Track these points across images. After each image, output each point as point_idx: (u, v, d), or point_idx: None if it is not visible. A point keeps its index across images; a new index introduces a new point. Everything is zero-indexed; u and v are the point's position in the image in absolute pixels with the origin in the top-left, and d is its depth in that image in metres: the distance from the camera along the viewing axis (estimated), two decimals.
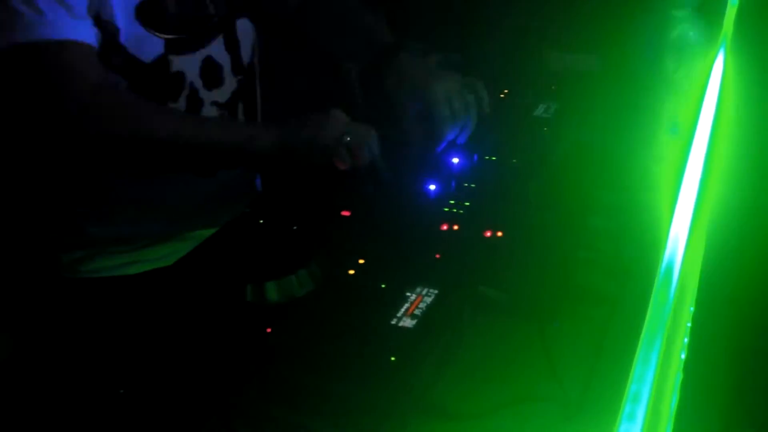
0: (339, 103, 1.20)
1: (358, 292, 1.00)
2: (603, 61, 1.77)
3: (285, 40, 1.53)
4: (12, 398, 1.19)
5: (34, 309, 1.38)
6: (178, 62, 1.25)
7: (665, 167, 1.15)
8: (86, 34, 1.11)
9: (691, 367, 0.87)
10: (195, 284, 1.10)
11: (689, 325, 0.87)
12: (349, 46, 1.42)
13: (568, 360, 0.92)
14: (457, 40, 2.18)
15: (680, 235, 0.89)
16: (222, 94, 1.34)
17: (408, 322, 0.93)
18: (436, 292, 0.98)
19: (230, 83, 1.35)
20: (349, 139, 1.12)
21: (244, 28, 1.36)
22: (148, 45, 1.21)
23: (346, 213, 1.17)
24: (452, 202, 1.18)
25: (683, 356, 0.82)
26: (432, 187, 1.22)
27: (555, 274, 1.06)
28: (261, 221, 1.19)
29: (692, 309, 0.89)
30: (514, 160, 1.29)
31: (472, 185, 1.24)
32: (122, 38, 1.18)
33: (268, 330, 0.95)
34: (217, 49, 1.31)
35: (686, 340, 0.85)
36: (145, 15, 1.19)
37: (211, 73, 1.30)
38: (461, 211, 1.16)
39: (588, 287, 1.04)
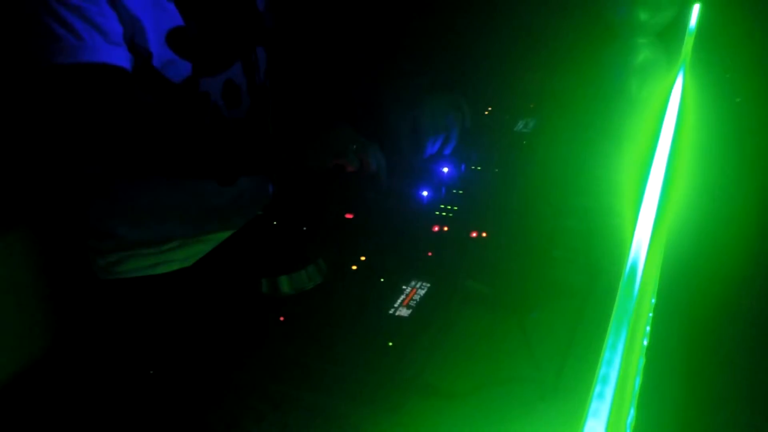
0: (341, 119, 1.20)
1: (360, 285, 1.00)
2: (576, 83, 1.77)
3: (292, 65, 1.53)
4: (59, 379, 1.19)
5: (77, 306, 1.38)
6: (204, 84, 1.25)
7: (630, 175, 1.16)
8: (121, 58, 1.11)
9: (652, 353, 0.88)
10: (217, 279, 1.10)
11: (650, 315, 0.87)
12: (348, 73, 1.42)
13: (544, 346, 0.92)
14: (446, 64, 2.18)
15: (643, 236, 0.89)
16: (240, 112, 1.34)
17: (404, 312, 0.94)
18: (428, 285, 0.99)
19: (246, 103, 1.35)
20: (356, 147, 1.13)
21: (259, 54, 1.37)
22: (177, 68, 1.20)
23: (349, 216, 1.17)
24: (442, 206, 1.18)
25: (645, 343, 0.82)
26: (425, 193, 1.22)
27: (533, 270, 1.06)
28: (274, 223, 1.19)
29: (653, 301, 0.89)
30: (497, 170, 1.30)
31: (460, 192, 1.24)
32: (155, 62, 1.17)
33: (281, 318, 0.95)
34: (236, 72, 1.31)
35: (648, 328, 0.85)
36: (175, 41, 1.19)
37: (231, 93, 1.31)
38: (450, 215, 1.16)
39: (562, 282, 1.04)
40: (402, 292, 0.97)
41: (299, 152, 1.13)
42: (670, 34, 1.79)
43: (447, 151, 1.30)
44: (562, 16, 2.07)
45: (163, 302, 1.18)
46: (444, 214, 1.16)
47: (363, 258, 1.05)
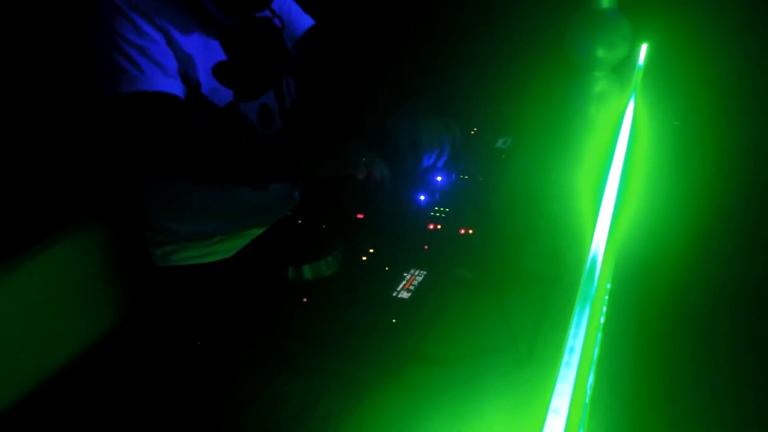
0: (355, 137, 1.20)
1: (369, 272, 1.00)
2: (545, 108, 1.76)
3: (315, 92, 1.53)
4: (125, 347, 1.19)
5: (139, 288, 1.39)
6: (243, 107, 1.25)
7: (591, 184, 1.15)
8: (174, 88, 1.11)
9: (607, 328, 0.87)
10: (252, 267, 1.10)
11: (606, 297, 0.87)
12: (361, 99, 1.42)
13: (519, 322, 0.92)
14: (441, 93, 2.18)
15: (602, 234, 0.88)
16: (272, 131, 1.34)
17: (405, 295, 0.93)
18: (425, 273, 0.98)
19: (278, 123, 1.34)
20: (364, 159, 1.12)
21: (289, 84, 1.36)
22: (221, 95, 1.20)
23: (360, 216, 1.17)
24: (436, 208, 1.18)
25: (602, 320, 0.81)
26: (422, 197, 1.21)
27: (510, 260, 1.06)
28: (299, 221, 1.18)
29: (609, 286, 0.88)
30: (481, 179, 1.29)
31: (451, 196, 1.23)
32: (203, 89, 1.17)
33: (305, 299, 0.94)
34: (269, 98, 1.31)
35: (604, 308, 0.84)
36: (219, 73, 1.19)
37: (265, 115, 1.30)
38: (443, 215, 1.15)
39: (534, 270, 1.03)
40: (403, 278, 0.97)
41: (319, 162, 1.13)
42: (622, 68, 1.78)
43: (440, 163, 1.29)
44: (534, 54, 2.07)
45: (208, 286, 1.18)
46: (438, 214, 1.16)
47: (371, 250, 1.05)
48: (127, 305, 1.39)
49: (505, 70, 2.17)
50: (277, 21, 1.34)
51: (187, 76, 1.14)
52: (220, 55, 1.19)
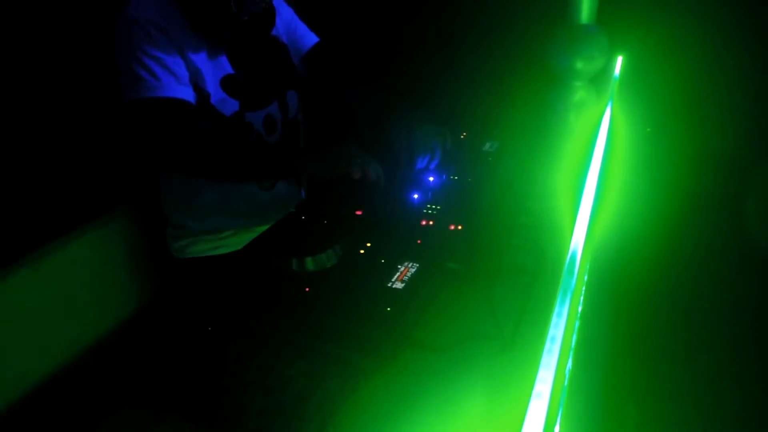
0: (355, 140, 1.19)
1: (366, 264, 0.99)
2: (528, 115, 1.76)
3: (317, 103, 1.53)
4: (145, 332, 1.19)
5: (159, 277, 1.39)
6: (248, 117, 1.24)
7: (570, 184, 1.14)
8: (188, 95, 1.11)
9: (585, 316, 0.86)
10: (260, 260, 1.09)
11: (584, 288, 0.86)
12: (360, 107, 1.41)
13: (504, 311, 0.91)
14: (434, 101, 2.18)
15: (581, 229, 0.88)
16: (276, 138, 1.33)
17: (399, 285, 0.92)
18: (417, 265, 0.97)
19: (281, 131, 1.34)
20: (360, 160, 1.11)
21: (292, 95, 1.36)
22: (228, 105, 1.20)
23: (358, 213, 1.16)
24: (429, 206, 1.17)
25: (580, 309, 0.81)
26: (415, 196, 1.21)
27: (496, 254, 1.05)
28: (303, 218, 1.18)
29: (586, 278, 0.88)
30: (470, 179, 1.29)
31: (442, 195, 1.23)
32: (212, 100, 1.17)
33: (307, 289, 0.94)
34: (273, 109, 1.30)
35: (582, 298, 0.84)
36: (226, 85, 1.19)
37: (269, 124, 1.30)
38: (434, 212, 1.15)
39: (518, 263, 1.03)
40: (397, 270, 0.96)
41: (316, 162, 1.12)
42: (600, 79, 1.77)
43: (433, 165, 1.29)
44: (518, 66, 2.07)
45: (220, 276, 1.18)
46: (430, 212, 1.15)
47: (368, 244, 1.04)
48: (149, 293, 1.39)
49: (491, 80, 2.17)
50: (283, 38, 1.33)
51: (197, 86, 1.15)
52: (227, 69, 1.20)
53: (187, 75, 1.12)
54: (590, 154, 1.17)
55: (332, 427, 0.75)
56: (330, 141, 1.17)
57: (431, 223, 1.11)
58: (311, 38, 1.40)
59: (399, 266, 0.97)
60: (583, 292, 0.84)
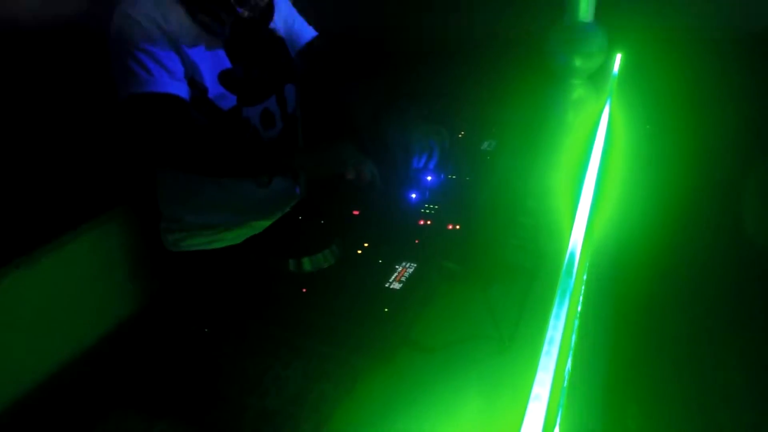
0: (351, 139, 1.19)
1: (363, 265, 0.99)
2: (526, 113, 1.75)
3: (315, 98, 1.52)
4: (139, 332, 1.19)
5: (156, 272, 1.38)
6: (246, 111, 1.24)
7: (568, 183, 1.14)
8: (182, 90, 1.11)
9: (584, 316, 0.86)
10: (256, 260, 1.09)
11: (583, 288, 0.86)
12: (358, 105, 1.41)
13: (501, 311, 0.91)
14: (431, 101, 2.17)
15: (580, 229, 0.87)
16: (274, 133, 1.32)
17: (396, 285, 0.92)
18: (415, 265, 0.97)
19: (279, 126, 1.33)
20: (354, 160, 1.11)
21: (290, 90, 1.35)
22: (226, 100, 1.19)
23: (356, 212, 1.16)
24: (426, 205, 1.17)
25: (579, 308, 0.80)
26: (413, 195, 1.20)
27: (494, 254, 1.05)
28: (300, 217, 1.17)
29: (585, 277, 0.87)
30: (468, 178, 1.28)
31: (440, 195, 1.22)
32: (210, 94, 1.17)
33: (304, 290, 0.93)
34: (271, 103, 1.29)
35: (581, 298, 0.83)
36: (224, 80, 1.18)
37: (267, 119, 1.29)
38: (432, 212, 1.14)
39: (515, 263, 1.02)
40: (395, 270, 0.95)
41: (310, 160, 1.12)
42: (598, 76, 1.77)
43: (431, 164, 1.28)
44: (516, 64, 2.06)
45: (216, 271, 1.17)
46: (427, 211, 1.15)
47: (366, 244, 1.04)
48: (146, 294, 1.39)
49: (489, 78, 2.16)
50: (280, 31, 1.32)
51: (194, 81, 1.14)
52: (225, 63, 1.19)
53: (182, 70, 1.12)
54: (589, 152, 1.17)
55: (329, 428, 0.74)
56: (327, 138, 1.16)
57: (429, 222, 1.10)
58: (308, 32, 1.39)
59: (397, 266, 0.96)
60: (582, 291, 0.84)
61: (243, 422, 0.78)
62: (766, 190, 2.36)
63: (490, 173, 1.32)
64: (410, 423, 0.73)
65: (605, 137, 1.28)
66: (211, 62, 1.16)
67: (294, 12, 1.39)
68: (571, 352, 0.69)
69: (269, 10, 1.23)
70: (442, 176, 1.29)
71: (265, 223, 1.34)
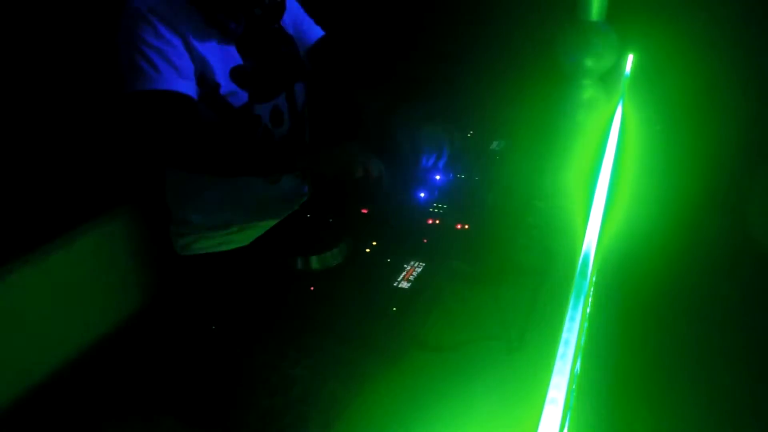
0: (359, 138, 1.19)
1: (372, 264, 0.99)
2: (537, 113, 1.75)
3: (324, 97, 1.52)
4: (147, 335, 1.19)
5: (164, 274, 1.38)
6: (257, 109, 1.24)
7: (579, 185, 1.13)
8: (189, 89, 1.10)
9: (593, 317, 0.86)
10: (265, 258, 1.09)
11: (593, 289, 0.85)
12: (367, 104, 1.40)
13: (511, 312, 0.90)
14: (440, 100, 2.17)
15: (593, 231, 0.86)
16: (283, 130, 1.32)
17: (405, 285, 0.92)
18: (423, 264, 0.97)
19: (288, 123, 1.33)
20: (361, 158, 1.10)
21: (299, 88, 1.35)
22: (237, 97, 1.19)
23: (364, 210, 1.16)
24: (435, 204, 1.16)
25: (588, 310, 0.80)
26: (422, 194, 1.20)
27: (503, 254, 1.04)
28: (308, 215, 1.17)
29: (594, 279, 0.87)
30: (477, 178, 1.28)
31: (449, 194, 1.22)
32: (221, 90, 1.17)
33: (311, 288, 0.93)
34: (281, 101, 1.29)
35: (590, 299, 0.83)
36: (236, 76, 1.18)
37: (277, 116, 1.29)
38: (441, 211, 1.14)
39: (525, 263, 1.02)
40: (403, 269, 0.95)
41: (317, 158, 1.12)
42: (610, 77, 1.76)
43: (440, 163, 1.28)
44: (527, 63, 2.05)
45: (225, 274, 1.17)
46: (436, 210, 1.14)
47: (374, 243, 1.04)
48: (152, 292, 1.39)
49: (499, 78, 2.15)
50: (289, 29, 1.33)
51: (204, 77, 1.14)
52: (237, 60, 1.19)
53: (191, 67, 1.11)
54: (602, 153, 1.16)
55: (337, 429, 0.74)
56: (335, 137, 1.16)
57: (438, 222, 1.10)
58: (316, 32, 1.40)
59: (405, 265, 0.96)
60: (591, 293, 0.83)
61: (251, 421, 0.78)
62: None
63: (500, 173, 1.31)
64: (420, 423, 0.73)
65: (619, 136, 1.27)
66: (223, 58, 1.16)
67: (302, 11, 1.39)
68: (580, 354, 0.69)
69: (281, 7, 1.24)
70: (451, 175, 1.28)
71: (272, 224, 1.34)
